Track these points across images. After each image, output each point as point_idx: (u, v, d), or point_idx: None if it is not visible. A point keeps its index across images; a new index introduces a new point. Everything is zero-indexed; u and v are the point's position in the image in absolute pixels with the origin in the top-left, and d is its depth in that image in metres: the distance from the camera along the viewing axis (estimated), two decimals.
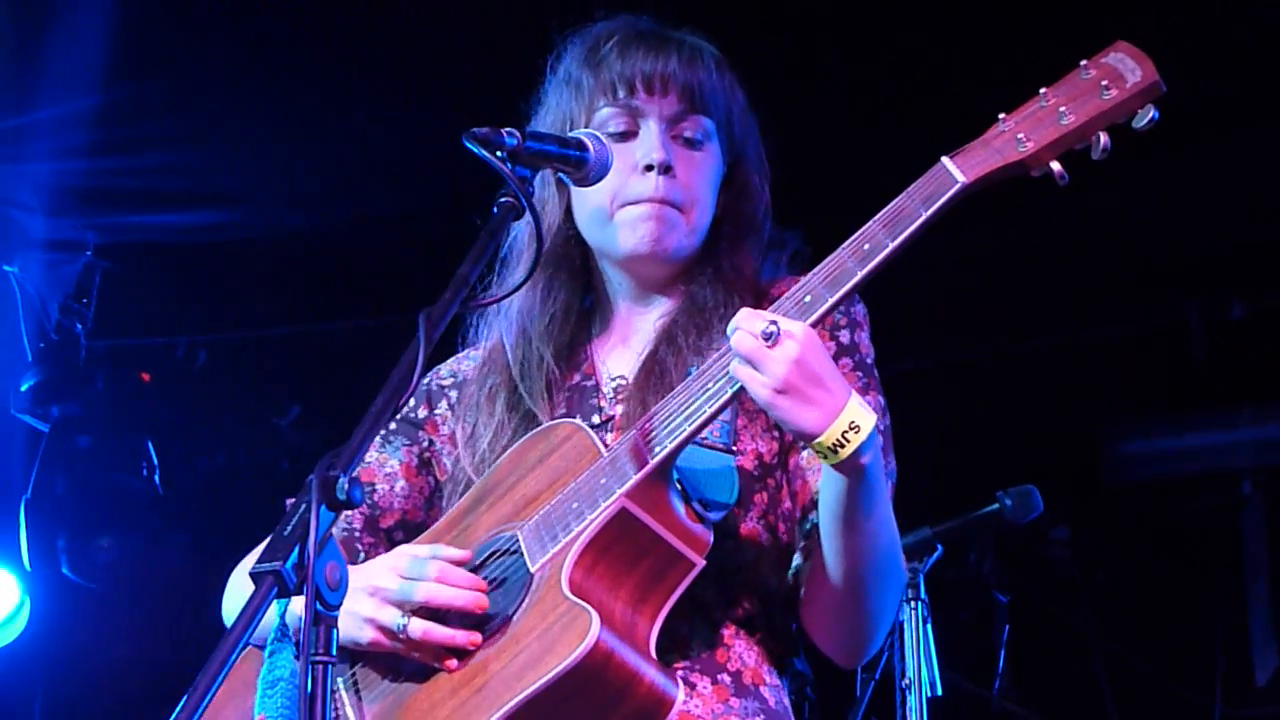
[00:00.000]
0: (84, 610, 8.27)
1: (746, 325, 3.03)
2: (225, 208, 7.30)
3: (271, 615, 3.42)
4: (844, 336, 3.45)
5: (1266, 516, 8.19)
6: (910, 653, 5.55)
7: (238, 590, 3.59)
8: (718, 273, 3.56)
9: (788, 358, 2.99)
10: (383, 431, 3.69)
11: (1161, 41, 6.08)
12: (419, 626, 3.21)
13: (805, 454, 3.41)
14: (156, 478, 8.24)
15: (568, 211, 3.65)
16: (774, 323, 3.01)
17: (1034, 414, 7.98)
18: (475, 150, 3.15)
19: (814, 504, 3.33)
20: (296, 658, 2.69)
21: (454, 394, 3.70)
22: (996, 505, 5.88)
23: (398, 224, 7.06)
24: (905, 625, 5.60)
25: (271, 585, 2.60)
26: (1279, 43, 6.31)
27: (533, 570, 3.20)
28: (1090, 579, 8.15)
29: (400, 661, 3.29)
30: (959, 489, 5.90)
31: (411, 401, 3.73)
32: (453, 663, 3.21)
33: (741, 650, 3.33)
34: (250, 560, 3.57)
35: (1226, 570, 8.19)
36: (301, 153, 6.98)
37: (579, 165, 3.34)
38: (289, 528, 2.63)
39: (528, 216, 3.15)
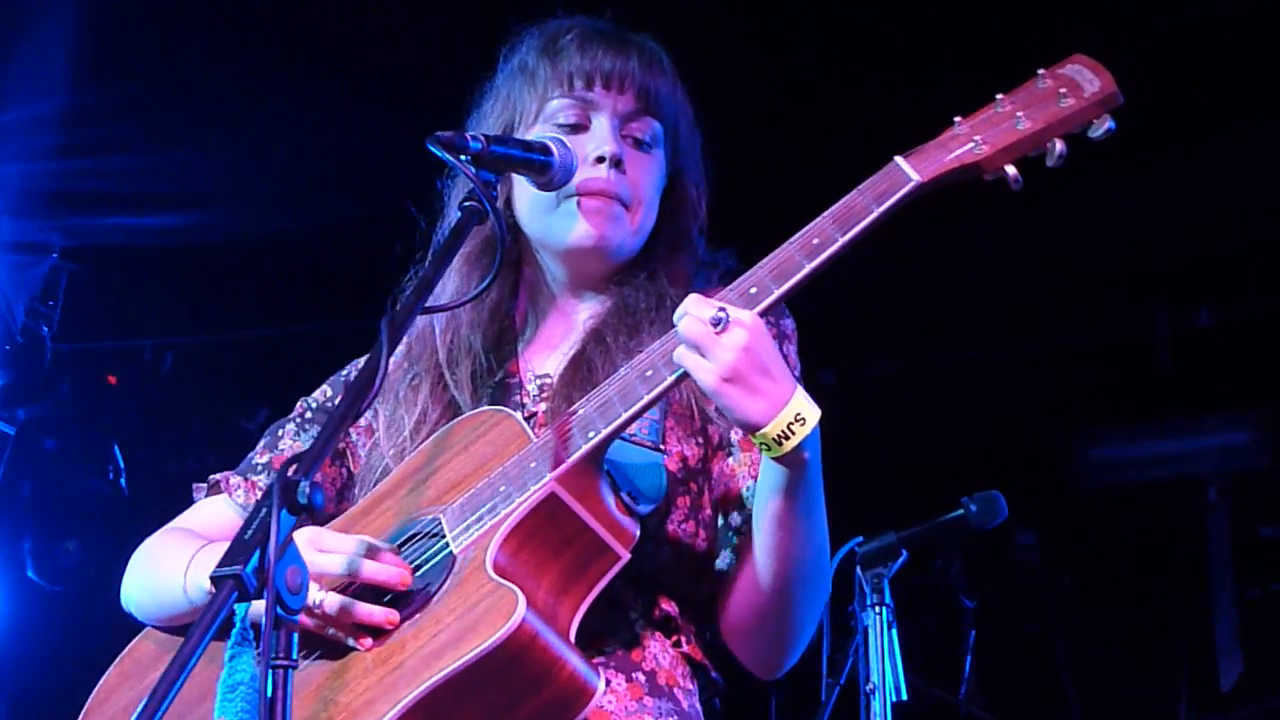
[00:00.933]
0: (49, 613, 8.25)
1: (695, 311, 3.01)
2: (192, 211, 7.30)
3: (172, 599, 3.44)
4: None
5: (1231, 523, 8.22)
6: (875, 657, 5.54)
7: (150, 565, 3.56)
8: (651, 279, 3.54)
9: (736, 345, 2.96)
10: (298, 419, 3.70)
11: (1128, 50, 6.12)
12: (335, 601, 3.13)
13: (732, 459, 3.40)
14: (123, 481, 8.23)
15: (507, 202, 3.61)
16: (723, 309, 2.99)
17: (1001, 419, 8.00)
18: (438, 154, 3.15)
19: (740, 504, 3.34)
20: (257, 661, 2.67)
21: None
22: (961, 511, 5.87)
23: (364, 227, 7.03)
24: (870, 630, 5.59)
25: (232, 589, 2.58)
26: (1246, 52, 6.33)
27: (456, 552, 3.16)
28: (1056, 584, 8.18)
29: (314, 639, 3.19)
30: (925, 494, 5.89)
31: (329, 391, 3.72)
32: (368, 641, 3.14)
33: (657, 651, 3.31)
34: (155, 539, 3.58)
35: (1192, 576, 8.22)
36: (268, 156, 6.98)
37: (543, 170, 3.34)
38: (249, 532, 2.62)
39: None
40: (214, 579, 2.60)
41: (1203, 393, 8.08)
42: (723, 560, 3.37)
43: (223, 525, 3.58)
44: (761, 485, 3.16)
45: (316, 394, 3.74)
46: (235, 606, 2.61)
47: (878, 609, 5.60)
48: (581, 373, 3.41)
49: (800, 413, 3.00)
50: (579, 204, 3.47)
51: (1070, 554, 8.26)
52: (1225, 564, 8.20)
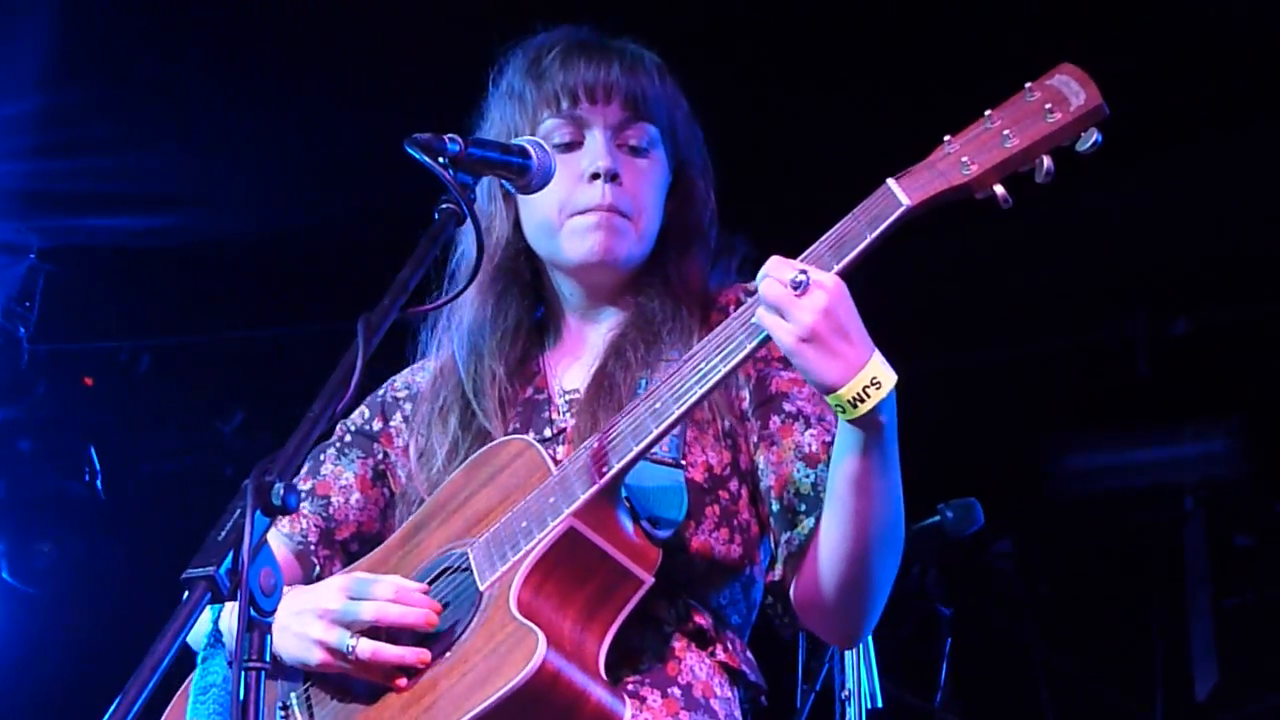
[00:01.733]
0: (23, 615, 8.24)
1: (776, 273, 3.02)
2: (169, 212, 7.28)
3: None
4: None
5: (1208, 532, 8.24)
6: (850, 664, 5.54)
7: None
8: (665, 284, 3.55)
9: (816, 306, 2.97)
10: (337, 444, 3.71)
11: (1107, 57, 6.13)
12: (367, 647, 3.19)
13: (777, 446, 3.39)
14: (98, 483, 8.22)
15: (516, 224, 3.63)
16: (804, 271, 2.99)
17: (979, 427, 8.00)
18: (416, 156, 3.14)
19: (797, 494, 3.33)
20: (229, 664, 2.66)
21: (408, 406, 3.70)
22: (937, 518, 5.88)
23: (342, 229, 7.04)
24: None
25: (204, 591, 2.58)
26: (1223, 60, 6.34)
27: (482, 589, 3.19)
28: (1033, 592, 8.19)
29: (351, 680, 3.27)
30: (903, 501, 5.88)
31: (366, 413, 3.73)
32: (402, 681, 3.20)
33: (693, 663, 3.32)
34: None
35: (1168, 585, 8.24)
36: (246, 158, 6.97)
37: (521, 172, 3.32)
38: (223, 533, 2.61)
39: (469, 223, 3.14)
40: (185, 580, 2.59)
41: (1180, 401, 8.10)
42: (783, 545, 3.36)
43: (278, 560, 3.58)
44: (838, 450, 3.16)
45: (354, 416, 3.75)
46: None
47: None
48: (604, 389, 3.43)
49: (876, 376, 3.01)
50: (580, 223, 3.48)
51: (1047, 562, 8.27)
52: (1201, 572, 8.22)
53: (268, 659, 2.61)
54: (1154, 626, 8.22)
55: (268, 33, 6.23)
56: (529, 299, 3.66)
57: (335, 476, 3.65)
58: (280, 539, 3.58)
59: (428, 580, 3.31)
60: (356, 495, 3.64)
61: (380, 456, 3.68)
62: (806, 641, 5.88)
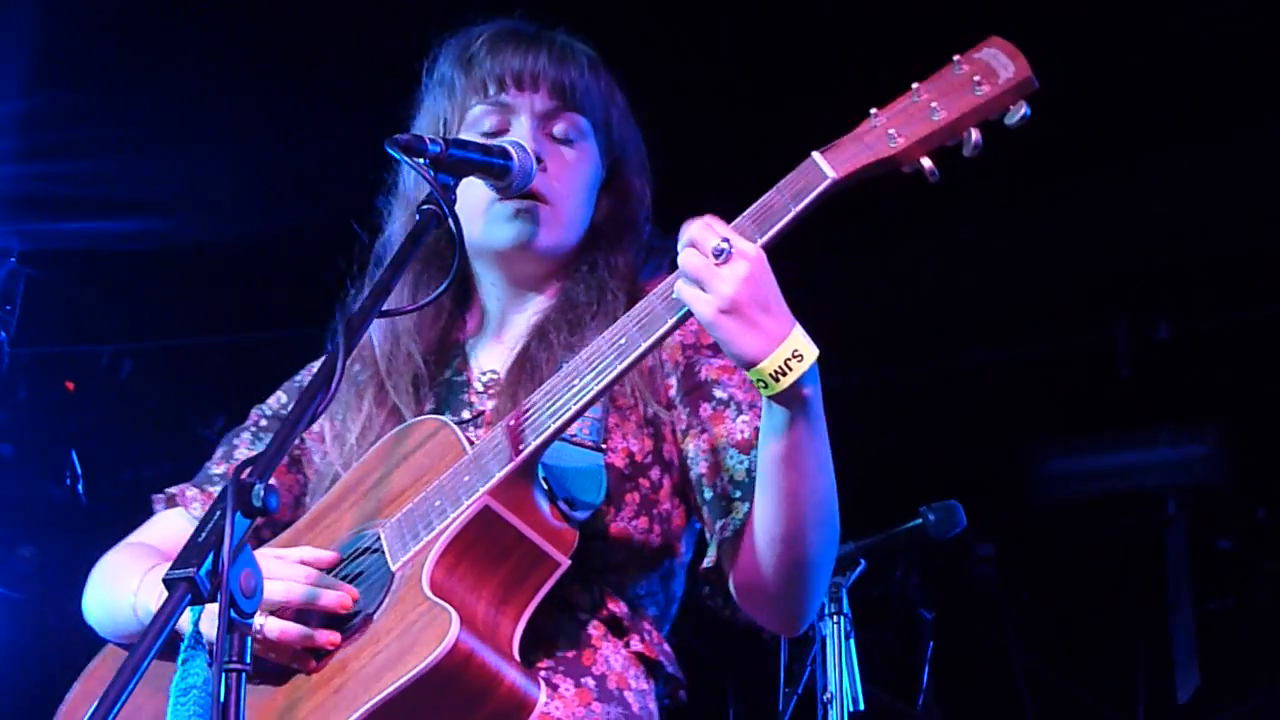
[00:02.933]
0: (5, 619, 8.22)
1: (699, 237, 2.97)
2: (151, 216, 7.27)
3: (124, 618, 3.42)
4: None
5: (1190, 535, 8.25)
6: (832, 667, 5.55)
7: (107, 581, 3.55)
8: (592, 270, 3.52)
9: (737, 276, 2.93)
10: (252, 428, 3.69)
11: (1090, 61, 6.14)
12: (275, 626, 3.13)
13: (708, 433, 3.36)
14: (80, 487, 8.20)
15: None
16: (726, 240, 2.95)
17: (961, 430, 8.02)
18: (397, 156, 3.14)
19: (727, 470, 3.30)
20: (209, 665, 2.66)
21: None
22: (920, 520, 5.89)
23: (323, 234, 7.01)
24: (828, 639, 5.60)
25: (185, 592, 2.57)
26: (1205, 64, 6.35)
27: (394, 569, 3.15)
28: (1015, 596, 8.20)
29: (259, 662, 3.15)
30: (884, 504, 5.89)
31: (283, 398, 3.72)
32: (311, 663, 3.15)
33: (609, 653, 3.29)
34: (111, 555, 3.57)
35: (1150, 589, 8.24)
36: (227, 162, 6.96)
37: (502, 173, 3.33)
38: (203, 534, 2.61)
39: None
40: (167, 582, 2.58)
41: (1162, 406, 8.11)
42: (716, 533, 3.32)
43: (179, 539, 3.54)
44: (764, 428, 3.11)
45: (271, 401, 3.73)
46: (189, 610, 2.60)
47: (835, 618, 5.61)
48: (526, 370, 3.40)
49: (798, 349, 2.96)
50: (503, 209, 3.45)
51: (1029, 565, 8.28)
52: (1183, 576, 8.23)
53: (248, 661, 2.60)
54: (1136, 630, 8.24)
55: (248, 39, 6.23)
56: (456, 282, 3.58)
57: None
58: (187, 520, 3.59)
59: (339, 560, 3.26)
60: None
61: (295, 442, 3.65)
62: (788, 643, 5.89)
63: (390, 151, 3.14)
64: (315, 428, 3.61)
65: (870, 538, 5.80)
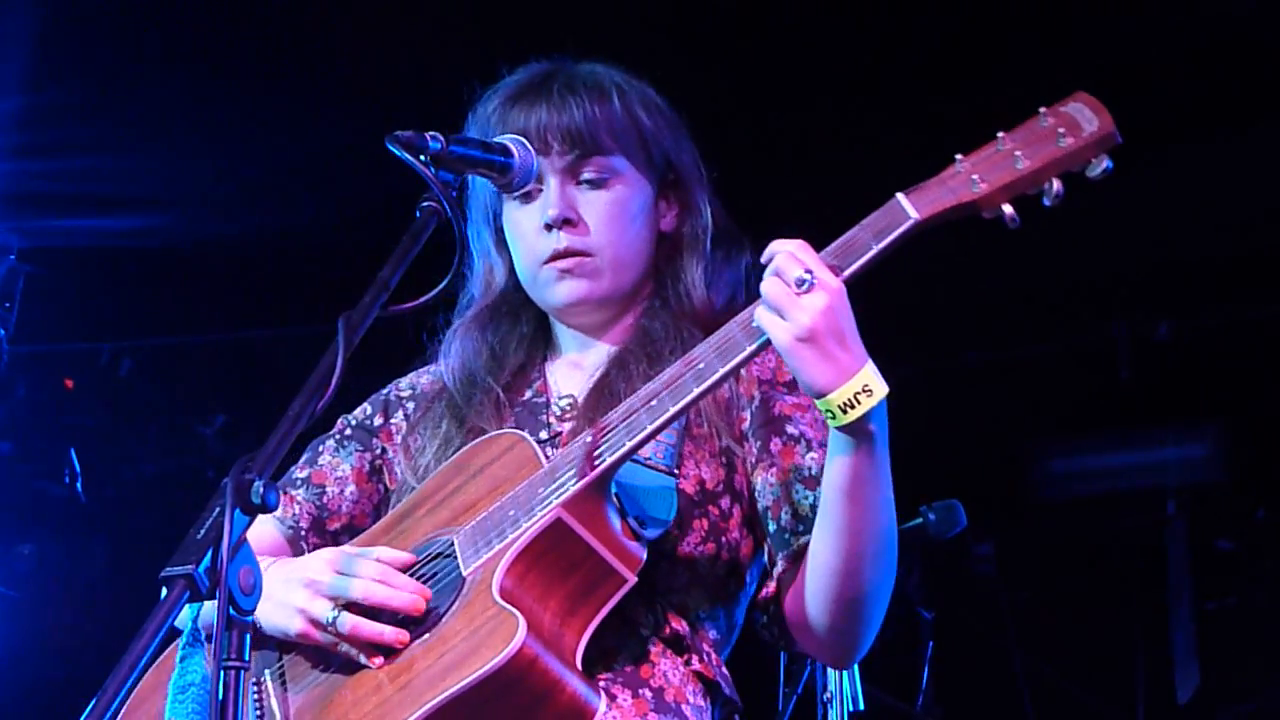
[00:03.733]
0: (4, 617, 8.22)
1: (783, 267, 3.02)
2: (151, 213, 7.28)
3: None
4: None
5: (1189, 536, 8.26)
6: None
7: None
8: (664, 304, 3.56)
9: (816, 307, 2.98)
10: (337, 436, 3.72)
11: (1089, 62, 6.14)
12: (348, 620, 3.19)
13: (775, 467, 3.39)
14: (79, 485, 8.20)
15: (511, 270, 3.66)
16: (809, 271, 3.00)
17: (962, 430, 8.01)
18: (398, 153, 3.13)
19: (795, 514, 3.34)
20: (208, 663, 2.65)
21: (410, 405, 3.71)
22: (920, 520, 5.89)
23: (323, 232, 7.04)
24: None
25: (183, 589, 2.57)
26: (1206, 64, 6.36)
27: (465, 574, 3.20)
28: (1014, 596, 8.18)
29: (329, 656, 3.27)
30: None
31: (369, 409, 3.75)
32: (379, 659, 3.20)
33: (667, 669, 3.31)
34: None
35: (1149, 589, 8.25)
36: (227, 159, 6.97)
37: (504, 170, 3.32)
38: (202, 531, 2.61)
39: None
40: (164, 579, 2.59)
41: (1162, 406, 8.11)
42: (781, 561, 3.36)
43: (268, 543, 3.57)
44: (829, 459, 3.15)
45: (357, 412, 3.76)
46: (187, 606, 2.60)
47: None
48: (604, 397, 3.43)
49: (868, 384, 3.02)
50: (548, 272, 3.51)
51: (1028, 565, 8.27)
52: (1183, 577, 8.23)
53: (247, 658, 2.60)
54: (1135, 630, 8.24)
55: (247, 36, 6.23)
56: (532, 310, 3.68)
57: (332, 468, 3.67)
58: (273, 522, 3.59)
59: (413, 564, 3.31)
60: (351, 488, 3.66)
61: (378, 452, 3.69)
62: None
63: (391, 149, 3.13)
64: (398, 440, 3.67)
65: None
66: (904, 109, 6.44)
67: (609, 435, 3.19)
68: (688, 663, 3.34)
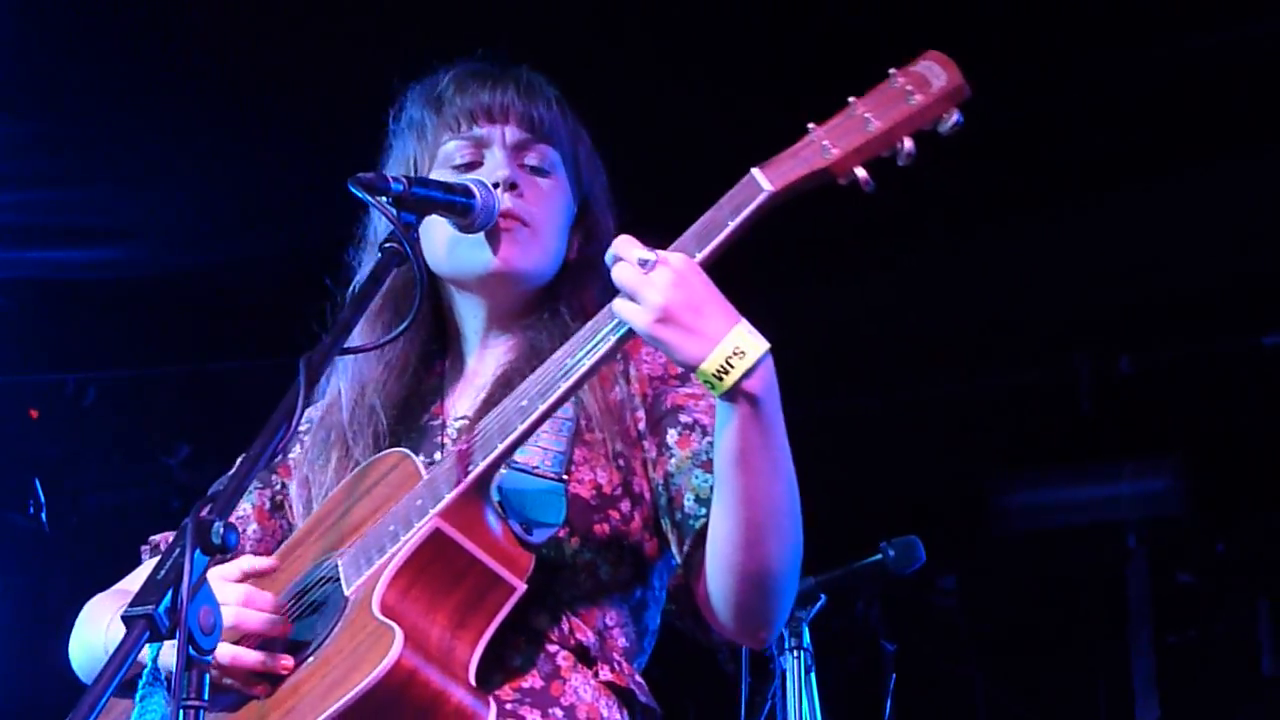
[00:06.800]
0: None
1: (624, 252, 3.02)
2: (115, 245, 7.27)
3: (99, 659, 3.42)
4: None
5: (1150, 569, 8.29)
6: (793, 700, 5.56)
7: (88, 625, 3.56)
8: (555, 316, 3.52)
9: (664, 283, 2.97)
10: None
11: (1048, 98, 6.17)
12: (226, 652, 3.11)
13: (674, 459, 3.36)
14: (44, 516, 8.19)
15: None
16: (653, 251, 3.00)
17: (922, 464, 8.04)
18: (359, 194, 3.15)
19: (697, 499, 3.30)
20: (168, 703, 2.67)
21: (307, 439, 3.66)
22: (880, 556, 5.90)
23: (287, 264, 7.03)
24: (788, 673, 5.60)
25: (144, 629, 2.58)
26: (1163, 102, 6.40)
27: (348, 593, 3.16)
28: (976, 628, 8.22)
29: (217, 690, 3.14)
30: (846, 538, 5.91)
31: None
32: (265, 688, 3.14)
33: (578, 684, 3.26)
34: (93, 602, 3.57)
35: (1110, 622, 8.28)
36: (192, 192, 6.96)
37: (465, 211, 3.33)
38: (162, 571, 2.61)
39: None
40: (125, 619, 2.59)
41: (1123, 439, 8.15)
42: (687, 545, 3.32)
43: None
44: (717, 430, 3.11)
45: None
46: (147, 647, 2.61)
47: (795, 652, 5.62)
48: None
49: (739, 346, 2.98)
50: (486, 232, 3.44)
51: (990, 599, 8.31)
52: (1144, 610, 8.26)
53: (205, 697, 2.61)
54: (1096, 663, 8.27)
55: (213, 71, 6.23)
56: (428, 327, 3.62)
57: (235, 513, 3.59)
58: None
59: (299, 591, 3.28)
60: (254, 526, 3.62)
61: (278, 488, 3.66)
62: (749, 677, 5.90)
63: (353, 190, 3.14)
64: (297, 475, 3.62)
65: (830, 572, 5.81)
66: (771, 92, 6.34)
67: (481, 439, 3.14)
68: (597, 674, 3.28)
